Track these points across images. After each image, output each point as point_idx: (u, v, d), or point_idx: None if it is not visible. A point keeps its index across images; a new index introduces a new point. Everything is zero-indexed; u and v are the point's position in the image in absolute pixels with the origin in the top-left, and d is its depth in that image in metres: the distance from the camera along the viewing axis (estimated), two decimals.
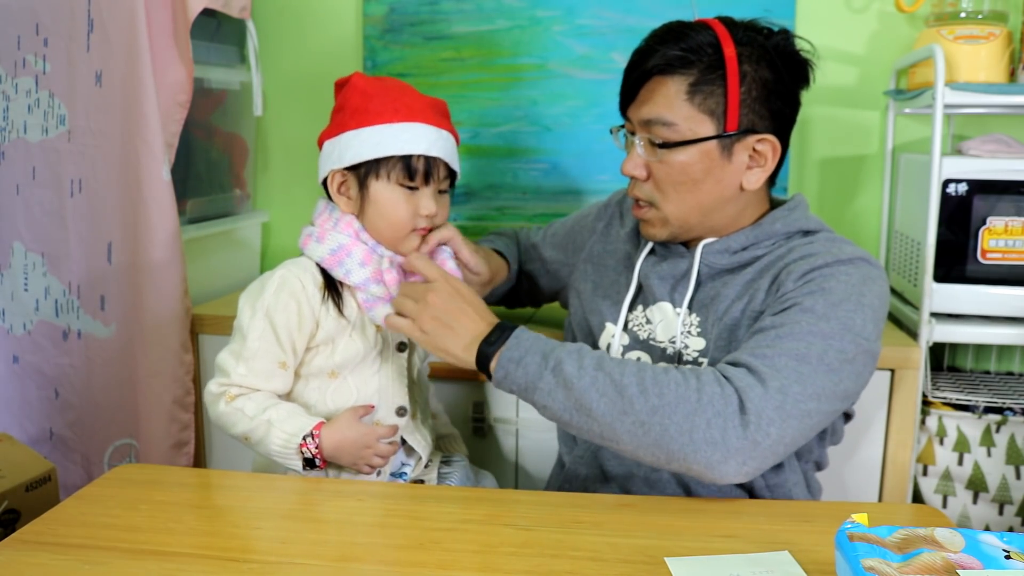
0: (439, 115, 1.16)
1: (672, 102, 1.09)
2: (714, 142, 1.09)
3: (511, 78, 1.89)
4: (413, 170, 1.12)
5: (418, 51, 1.92)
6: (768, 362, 0.97)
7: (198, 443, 1.68)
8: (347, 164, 1.14)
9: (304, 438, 1.09)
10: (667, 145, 1.09)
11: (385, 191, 1.13)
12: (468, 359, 1.05)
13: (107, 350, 1.63)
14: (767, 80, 1.09)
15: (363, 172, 1.14)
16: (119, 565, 0.84)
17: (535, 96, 1.89)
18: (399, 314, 1.09)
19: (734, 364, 1.00)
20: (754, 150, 1.10)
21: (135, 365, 1.61)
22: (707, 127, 1.08)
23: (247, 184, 2.01)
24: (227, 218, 1.91)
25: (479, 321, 1.06)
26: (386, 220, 1.14)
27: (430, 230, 1.17)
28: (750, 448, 0.93)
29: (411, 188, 1.13)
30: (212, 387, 1.13)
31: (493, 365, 1.03)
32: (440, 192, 1.17)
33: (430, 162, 1.13)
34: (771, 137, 1.10)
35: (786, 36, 1.12)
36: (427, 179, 1.13)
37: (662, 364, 1.02)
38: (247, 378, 1.12)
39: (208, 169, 1.87)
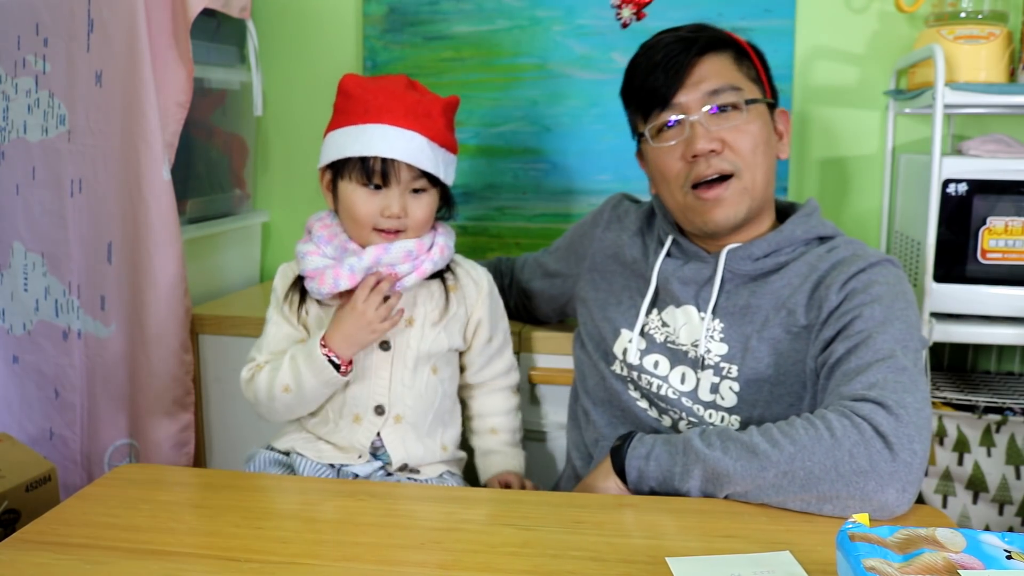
0: (416, 116, 1.17)
1: (730, 71, 1.16)
2: (765, 106, 1.18)
3: (511, 78, 1.89)
4: (370, 171, 1.16)
5: (418, 51, 1.92)
6: (872, 383, 0.97)
7: (198, 443, 1.68)
8: (323, 164, 1.22)
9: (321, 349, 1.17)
10: (751, 101, 1.15)
11: (349, 190, 1.19)
12: (615, 483, 1.05)
13: (107, 350, 1.63)
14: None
15: (334, 172, 1.21)
16: (120, 565, 0.84)
17: (535, 96, 1.89)
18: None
19: (841, 399, 0.98)
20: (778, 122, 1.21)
21: (135, 365, 1.61)
22: (758, 93, 1.17)
23: (247, 184, 2.01)
24: (227, 218, 1.91)
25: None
26: (350, 217, 1.20)
27: (397, 232, 1.19)
28: (905, 471, 0.91)
29: (375, 187, 1.18)
30: (244, 373, 1.24)
31: (627, 470, 1.04)
32: (415, 192, 1.19)
33: (387, 164, 1.16)
34: (787, 111, 1.21)
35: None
36: (386, 180, 1.16)
37: (783, 420, 1.01)
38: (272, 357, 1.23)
39: (208, 169, 1.87)
